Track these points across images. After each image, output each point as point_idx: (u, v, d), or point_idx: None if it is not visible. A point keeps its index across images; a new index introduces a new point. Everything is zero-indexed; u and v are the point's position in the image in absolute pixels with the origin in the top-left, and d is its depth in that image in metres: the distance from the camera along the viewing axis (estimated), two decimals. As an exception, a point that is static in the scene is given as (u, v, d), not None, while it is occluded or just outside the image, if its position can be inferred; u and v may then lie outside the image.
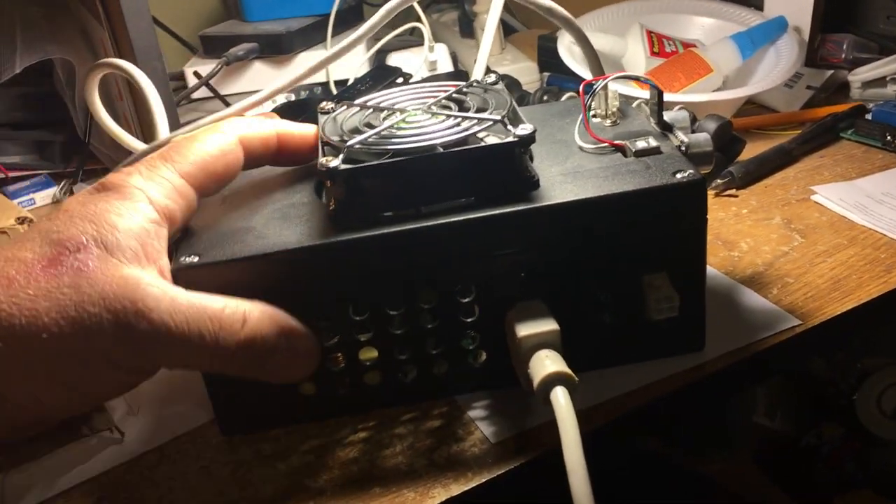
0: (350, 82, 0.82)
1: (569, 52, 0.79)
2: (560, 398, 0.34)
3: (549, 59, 0.88)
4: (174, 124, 0.63)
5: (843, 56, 0.81)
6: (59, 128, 0.81)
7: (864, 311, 0.47)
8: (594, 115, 0.46)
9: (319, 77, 0.85)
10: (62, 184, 0.77)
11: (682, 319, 0.40)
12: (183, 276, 0.36)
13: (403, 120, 0.40)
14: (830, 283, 0.49)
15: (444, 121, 0.40)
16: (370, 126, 0.41)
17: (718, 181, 0.62)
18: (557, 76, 0.88)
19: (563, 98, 0.74)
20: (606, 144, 0.42)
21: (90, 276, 0.32)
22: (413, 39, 0.90)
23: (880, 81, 0.77)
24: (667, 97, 0.71)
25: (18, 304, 0.31)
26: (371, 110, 0.43)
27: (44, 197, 0.76)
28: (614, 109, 0.45)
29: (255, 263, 0.37)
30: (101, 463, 0.41)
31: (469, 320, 0.40)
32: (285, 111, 0.81)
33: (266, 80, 0.85)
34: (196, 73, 0.84)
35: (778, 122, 0.75)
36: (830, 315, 0.47)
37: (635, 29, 0.80)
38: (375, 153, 0.38)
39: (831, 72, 0.80)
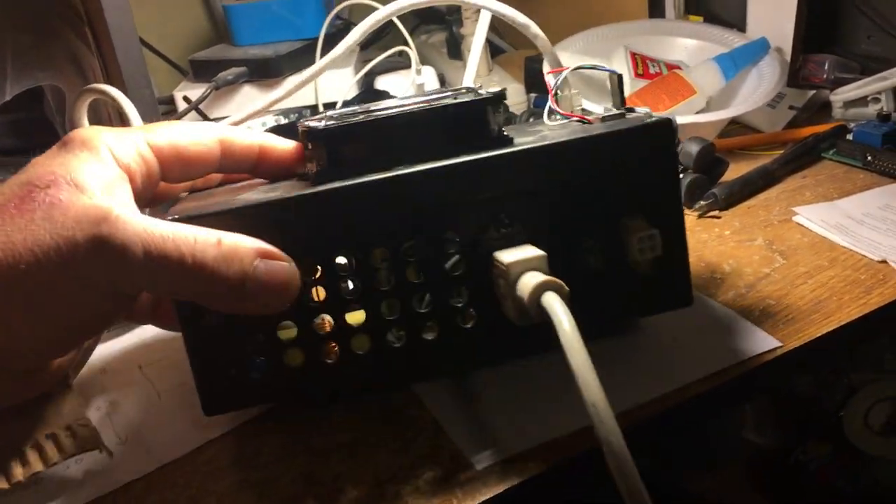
0: (339, 105, 0.83)
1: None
2: (553, 301, 0.34)
3: (536, 80, 0.89)
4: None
5: (825, 76, 0.82)
6: (49, 153, 0.81)
7: (844, 333, 0.48)
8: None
9: (308, 100, 0.86)
10: (52, 209, 0.77)
11: (666, 269, 0.42)
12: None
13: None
14: (811, 305, 0.50)
15: (434, 93, 0.42)
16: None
17: (702, 203, 0.63)
18: (544, 97, 0.88)
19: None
20: (574, 118, 0.45)
21: (62, 207, 0.32)
22: (401, 61, 0.91)
23: (862, 101, 0.78)
24: (651, 119, 0.73)
25: None
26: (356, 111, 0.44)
27: (34, 222, 0.76)
28: (577, 109, 0.48)
29: (233, 217, 0.37)
30: (88, 492, 0.41)
31: (456, 274, 0.40)
32: (274, 134, 0.81)
33: (254, 103, 0.86)
34: (185, 98, 0.84)
35: (761, 143, 0.76)
36: (811, 337, 0.47)
37: (620, 51, 0.82)
38: (357, 122, 0.40)
39: (813, 92, 0.81)
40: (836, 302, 0.50)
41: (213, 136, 0.41)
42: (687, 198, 0.64)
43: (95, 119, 0.58)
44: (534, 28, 0.49)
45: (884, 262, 0.54)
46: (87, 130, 0.37)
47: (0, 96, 0.74)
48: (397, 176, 0.38)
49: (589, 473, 0.41)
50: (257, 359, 0.40)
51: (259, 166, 0.43)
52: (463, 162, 0.38)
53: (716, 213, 0.63)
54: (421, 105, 0.40)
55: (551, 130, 0.43)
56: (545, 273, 0.37)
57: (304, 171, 0.42)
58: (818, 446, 0.84)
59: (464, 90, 0.45)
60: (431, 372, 0.43)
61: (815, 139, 0.71)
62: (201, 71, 0.89)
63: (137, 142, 0.38)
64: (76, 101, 0.56)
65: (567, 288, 0.36)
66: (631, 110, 0.45)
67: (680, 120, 0.72)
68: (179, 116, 0.84)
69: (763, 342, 0.47)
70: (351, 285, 0.40)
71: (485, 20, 0.69)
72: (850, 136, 0.71)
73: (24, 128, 0.82)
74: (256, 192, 0.40)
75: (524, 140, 0.41)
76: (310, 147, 0.40)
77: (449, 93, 0.44)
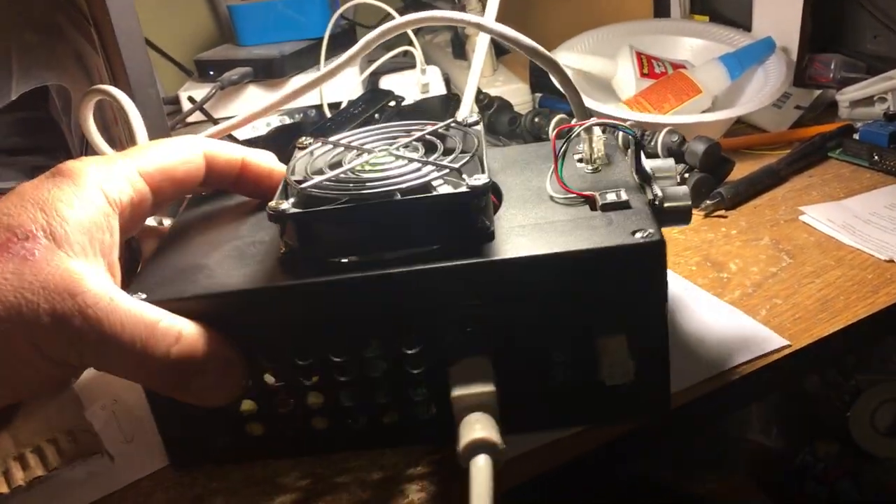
0: (343, 105, 0.83)
1: (559, 74, 0.80)
2: (479, 467, 0.32)
3: (541, 79, 0.89)
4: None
5: (831, 76, 0.82)
6: (55, 153, 0.81)
7: (851, 332, 0.48)
8: (579, 159, 0.44)
9: (313, 100, 0.86)
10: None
11: (642, 383, 0.38)
12: None
13: (367, 162, 0.40)
14: (818, 304, 0.50)
15: (405, 165, 0.39)
16: (337, 165, 0.40)
17: (708, 202, 0.63)
18: (549, 97, 0.89)
19: (554, 120, 0.75)
20: (581, 196, 0.40)
21: (34, 265, 0.32)
22: (406, 61, 0.90)
23: (868, 101, 0.78)
24: (657, 118, 0.73)
25: None
26: (342, 149, 0.42)
27: (39, 222, 0.76)
28: (599, 154, 0.43)
29: (198, 303, 0.37)
30: (94, 491, 0.41)
31: (416, 372, 0.38)
32: (279, 134, 0.81)
33: (259, 103, 0.86)
34: (190, 98, 0.84)
35: (767, 142, 0.75)
36: (818, 336, 0.47)
37: (625, 50, 0.81)
38: (330, 197, 0.37)
39: (819, 91, 0.81)
40: (844, 301, 0.50)
41: (199, 153, 0.41)
42: (693, 197, 0.63)
43: (101, 120, 0.58)
44: (541, 50, 0.45)
45: (891, 261, 0.54)
46: (77, 164, 0.36)
47: (5, 96, 0.74)
48: (354, 279, 0.36)
49: (588, 475, 0.41)
50: (221, 426, 0.40)
51: (240, 182, 0.43)
52: (426, 269, 0.36)
53: (722, 212, 0.63)
54: (396, 180, 0.37)
55: (547, 211, 0.39)
56: (493, 412, 0.35)
57: (269, 207, 0.38)
58: (824, 447, 0.84)
59: (452, 123, 0.43)
60: (390, 444, 0.42)
61: (822, 139, 0.71)
62: (206, 71, 0.89)
63: (128, 174, 0.37)
64: (81, 101, 0.56)
65: (503, 447, 0.33)
66: (646, 179, 0.41)
67: (685, 119, 0.72)
68: (185, 117, 0.84)
69: (771, 341, 0.47)
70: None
71: (494, 2, 0.69)
72: (856, 136, 0.71)
73: (29, 127, 0.82)
74: (233, 261, 0.39)
75: (513, 224, 0.38)
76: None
77: (431, 128, 0.42)
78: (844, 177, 0.68)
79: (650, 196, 0.40)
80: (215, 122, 0.84)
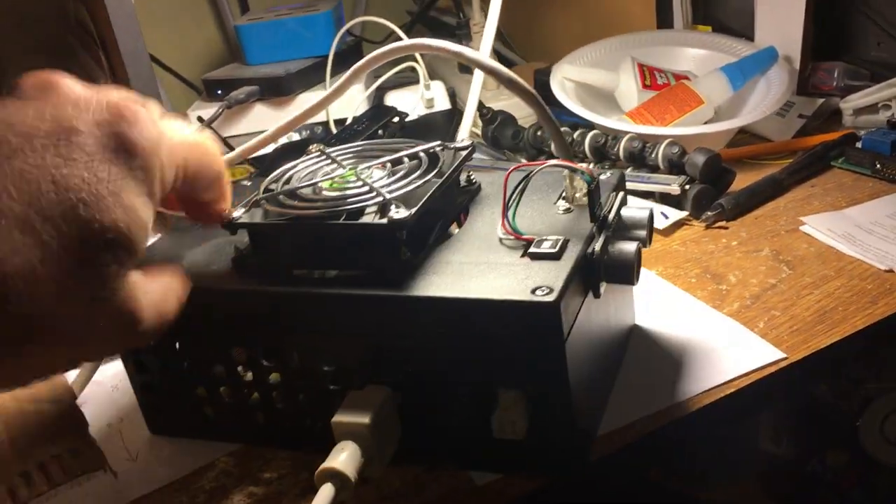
0: (348, 121, 0.83)
1: (561, 87, 0.80)
2: (322, 495, 0.34)
3: (545, 93, 0.89)
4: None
5: (835, 84, 0.82)
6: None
7: (849, 344, 0.48)
8: (562, 197, 0.43)
9: (319, 116, 0.87)
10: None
11: (538, 442, 0.37)
12: None
13: (338, 178, 0.41)
14: (816, 316, 0.50)
15: (361, 186, 0.39)
16: (312, 177, 0.42)
17: (709, 213, 0.63)
18: (554, 110, 0.89)
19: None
20: (522, 240, 0.39)
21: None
22: (411, 77, 0.91)
23: (872, 108, 0.78)
24: (659, 130, 0.73)
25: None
26: (326, 163, 0.43)
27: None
28: (578, 195, 0.42)
29: None
30: (99, 509, 0.42)
31: (304, 387, 0.41)
32: (286, 151, 0.82)
33: (267, 121, 0.87)
34: (199, 118, 0.86)
35: (770, 152, 0.75)
36: (816, 348, 0.47)
37: (627, 63, 0.82)
38: (279, 213, 0.39)
39: (823, 100, 0.81)
40: (842, 313, 0.50)
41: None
42: (694, 208, 0.64)
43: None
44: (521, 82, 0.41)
45: (891, 271, 0.54)
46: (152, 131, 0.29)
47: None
48: (265, 291, 0.39)
49: (582, 490, 0.42)
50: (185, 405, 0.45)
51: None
52: (325, 293, 0.38)
53: (723, 223, 0.63)
54: (337, 203, 0.38)
55: (485, 251, 0.39)
56: (365, 443, 0.36)
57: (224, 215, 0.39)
58: (835, 456, 0.84)
59: (438, 146, 0.43)
60: (290, 447, 0.44)
61: (824, 147, 0.71)
62: (214, 90, 0.90)
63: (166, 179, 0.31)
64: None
65: (353, 481, 0.34)
66: (602, 229, 0.40)
67: (688, 131, 0.72)
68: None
69: (768, 354, 0.47)
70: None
71: (489, 34, 0.70)
72: (859, 144, 0.71)
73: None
74: (207, 257, 0.43)
75: (446, 260, 0.38)
76: None
77: (418, 149, 0.43)
78: (847, 186, 0.68)
79: (590, 250, 0.38)
80: (224, 140, 0.85)
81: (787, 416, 0.89)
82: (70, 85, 0.29)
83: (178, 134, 0.31)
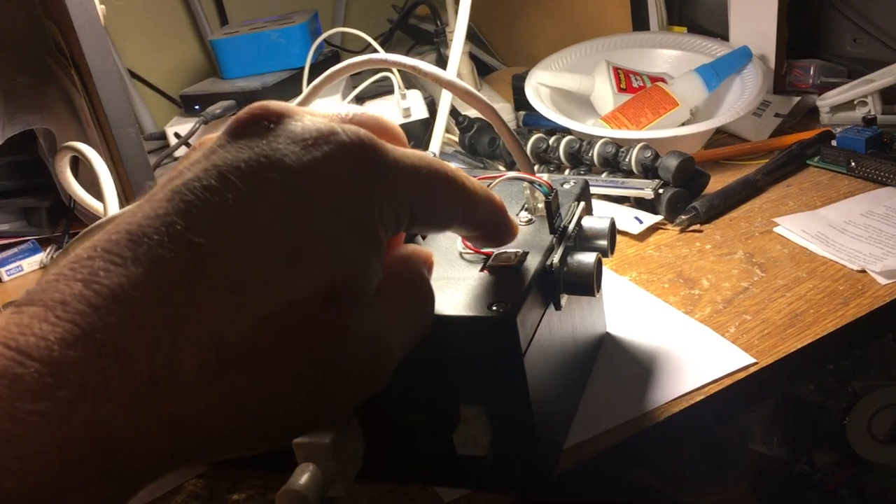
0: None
1: (535, 92, 0.80)
2: None
3: (523, 98, 0.89)
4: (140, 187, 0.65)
5: (811, 81, 0.82)
6: (44, 194, 0.83)
7: (820, 347, 0.48)
8: (524, 208, 0.42)
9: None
10: (48, 249, 0.79)
11: (502, 458, 0.37)
12: None
13: None
14: (787, 319, 0.50)
15: None
16: None
17: (683, 217, 0.63)
18: (532, 115, 0.89)
19: (532, 138, 0.75)
20: (482, 254, 0.38)
21: None
22: (389, 86, 0.91)
23: (849, 105, 0.78)
24: (634, 134, 0.73)
25: None
26: None
27: (31, 263, 0.77)
28: (540, 205, 0.41)
29: None
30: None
31: None
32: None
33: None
34: (176, 134, 0.86)
35: (746, 152, 0.75)
36: (786, 352, 0.47)
37: (602, 66, 0.82)
38: None
39: (799, 98, 0.81)
40: (813, 315, 0.50)
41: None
42: (668, 212, 0.64)
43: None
44: (480, 97, 0.41)
45: (863, 271, 0.53)
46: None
47: (-6, 140, 0.75)
48: None
49: (591, 481, 0.42)
50: None
51: None
52: None
53: (697, 226, 0.63)
54: None
55: (445, 266, 0.38)
56: (326, 464, 0.34)
57: None
58: (823, 456, 0.83)
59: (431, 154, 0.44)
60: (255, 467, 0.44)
61: (800, 147, 0.71)
62: (192, 106, 0.90)
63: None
64: (57, 155, 0.58)
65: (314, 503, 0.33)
66: (561, 240, 0.40)
67: (663, 133, 0.72)
68: (171, 152, 0.85)
69: (737, 360, 0.47)
70: None
71: (459, 40, 0.70)
72: (834, 142, 0.70)
73: (19, 170, 0.83)
74: None
75: None
76: None
77: None
78: (822, 185, 0.68)
79: (548, 262, 0.38)
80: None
81: (777, 417, 0.89)
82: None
83: (402, 165, 0.28)
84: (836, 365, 0.83)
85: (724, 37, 0.85)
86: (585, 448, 0.42)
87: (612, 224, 0.43)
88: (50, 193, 0.82)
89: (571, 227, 0.42)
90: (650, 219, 0.64)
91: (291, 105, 0.28)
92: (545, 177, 0.42)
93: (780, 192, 0.67)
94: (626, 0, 0.92)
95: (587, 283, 0.39)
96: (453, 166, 0.31)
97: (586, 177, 0.64)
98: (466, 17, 0.66)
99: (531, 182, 0.41)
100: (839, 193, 0.65)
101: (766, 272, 0.55)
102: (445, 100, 0.66)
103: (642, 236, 0.63)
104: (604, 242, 0.43)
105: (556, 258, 0.38)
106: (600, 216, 0.44)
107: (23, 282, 0.75)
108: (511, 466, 0.39)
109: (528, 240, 0.40)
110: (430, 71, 0.43)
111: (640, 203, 0.66)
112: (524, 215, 0.42)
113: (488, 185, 0.40)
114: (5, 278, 0.76)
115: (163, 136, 0.91)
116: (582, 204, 0.44)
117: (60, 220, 0.82)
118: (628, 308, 0.53)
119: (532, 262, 0.37)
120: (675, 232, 0.63)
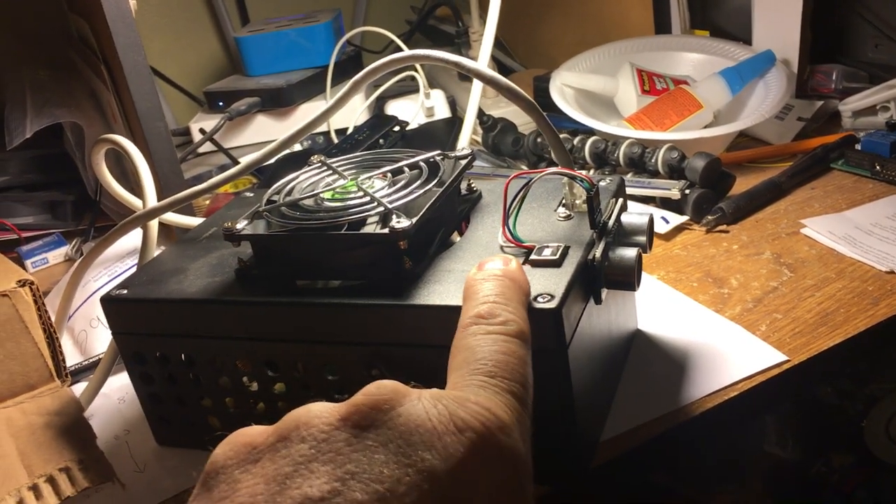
0: (349, 131, 0.84)
1: (560, 93, 0.81)
2: None
3: (544, 99, 0.89)
4: (175, 181, 0.66)
5: (833, 86, 0.82)
6: (70, 187, 0.83)
7: (851, 345, 0.48)
8: (562, 204, 0.43)
9: (320, 126, 0.87)
10: (74, 242, 0.79)
11: (542, 450, 0.37)
12: (110, 305, 0.43)
13: (339, 188, 0.41)
14: (818, 318, 0.50)
15: (362, 197, 0.40)
16: (313, 188, 0.43)
17: (709, 217, 0.63)
18: (553, 116, 0.89)
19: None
20: (523, 248, 0.39)
21: None
22: (411, 86, 0.92)
23: (871, 110, 0.78)
24: (658, 135, 0.73)
25: None
26: (328, 174, 0.44)
27: (56, 256, 0.78)
28: (578, 202, 0.42)
29: (160, 306, 0.42)
30: (107, 521, 0.42)
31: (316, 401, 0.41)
32: (287, 162, 0.83)
33: (268, 132, 0.88)
34: (201, 130, 0.86)
35: (769, 155, 0.76)
36: (818, 350, 0.47)
37: (626, 68, 0.82)
38: (282, 224, 0.40)
39: (821, 102, 0.81)
40: (844, 314, 0.50)
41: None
42: (694, 213, 0.64)
43: (115, 154, 0.60)
44: (522, 94, 0.42)
45: (892, 272, 0.54)
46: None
47: (21, 133, 0.76)
48: (269, 301, 0.39)
49: (588, 494, 0.42)
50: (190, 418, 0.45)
51: None
52: (320, 303, 0.38)
53: (724, 227, 0.64)
54: (339, 214, 0.39)
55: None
56: None
57: (225, 227, 0.41)
58: (840, 458, 0.84)
59: (438, 155, 0.43)
60: None
61: (824, 150, 0.71)
62: (215, 102, 0.91)
63: None
64: (93, 148, 0.58)
65: None
66: (602, 235, 0.40)
67: (687, 135, 0.73)
68: (195, 148, 0.86)
69: (770, 357, 0.47)
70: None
71: (488, 43, 0.71)
72: (858, 146, 0.71)
73: (44, 163, 0.84)
74: (209, 269, 0.43)
75: (447, 268, 0.39)
76: None
77: (418, 158, 0.43)
78: (847, 188, 0.68)
79: (590, 256, 0.38)
80: (225, 151, 0.86)
81: (793, 419, 0.89)
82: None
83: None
84: (853, 367, 0.83)
85: (747, 41, 0.86)
86: (620, 442, 0.42)
87: (651, 220, 0.44)
88: (75, 187, 0.82)
89: (611, 222, 0.42)
90: (676, 219, 0.64)
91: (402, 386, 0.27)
92: (586, 173, 0.42)
93: (804, 195, 0.68)
94: (648, 3, 0.92)
95: (628, 278, 0.40)
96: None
97: (613, 176, 0.65)
98: (496, 17, 0.66)
99: (573, 178, 0.41)
100: (864, 196, 0.66)
101: (794, 272, 0.56)
102: (474, 99, 0.66)
103: (669, 236, 0.63)
104: (643, 238, 0.43)
105: (597, 253, 0.39)
106: (639, 212, 0.44)
107: (48, 273, 0.76)
108: (550, 458, 0.39)
109: (568, 235, 0.40)
110: (473, 67, 0.43)
111: (665, 203, 0.67)
112: (562, 211, 0.43)
113: (531, 180, 0.41)
114: (31, 270, 0.76)
115: (186, 132, 0.92)
116: (620, 200, 0.45)
117: (85, 214, 0.83)
118: (658, 306, 0.54)
119: (573, 257, 0.38)
120: (702, 232, 0.63)
